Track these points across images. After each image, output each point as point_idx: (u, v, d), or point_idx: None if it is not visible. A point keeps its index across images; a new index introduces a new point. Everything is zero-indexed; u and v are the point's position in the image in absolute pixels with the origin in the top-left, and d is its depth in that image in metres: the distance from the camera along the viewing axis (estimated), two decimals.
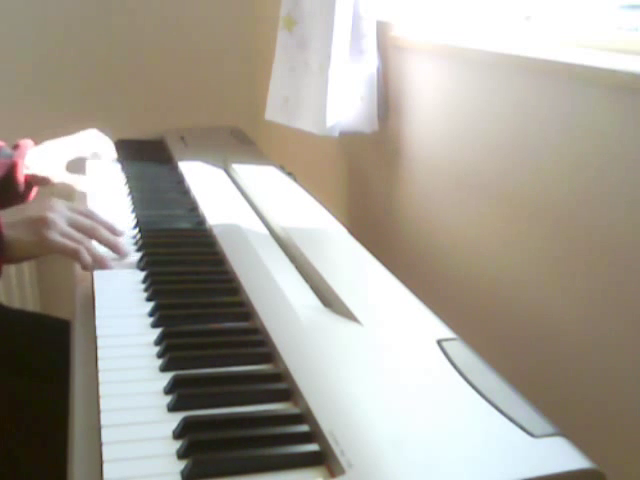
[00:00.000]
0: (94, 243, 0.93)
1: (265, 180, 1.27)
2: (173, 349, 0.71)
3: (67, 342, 0.78)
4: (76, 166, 1.28)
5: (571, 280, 0.96)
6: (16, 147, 1.18)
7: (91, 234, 0.92)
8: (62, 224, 0.89)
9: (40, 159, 1.20)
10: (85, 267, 0.89)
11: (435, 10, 1.36)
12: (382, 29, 1.38)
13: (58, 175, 1.22)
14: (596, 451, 0.65)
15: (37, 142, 1.25)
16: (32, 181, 1.19)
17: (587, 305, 0.94)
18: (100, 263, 0.90)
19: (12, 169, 1.15)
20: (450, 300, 1.26)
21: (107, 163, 1.41)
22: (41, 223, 0.87)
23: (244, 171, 1.31)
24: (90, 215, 0.95)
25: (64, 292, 1.14)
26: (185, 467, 0.53)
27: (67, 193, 1.25)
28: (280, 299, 0.80)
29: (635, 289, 0.86)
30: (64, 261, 0.93)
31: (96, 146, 1.34)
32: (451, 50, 1.19)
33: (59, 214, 0.89)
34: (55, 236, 0.87)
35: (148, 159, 1.46)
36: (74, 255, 0.88)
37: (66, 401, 0.66)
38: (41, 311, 2.01)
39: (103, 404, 0.62)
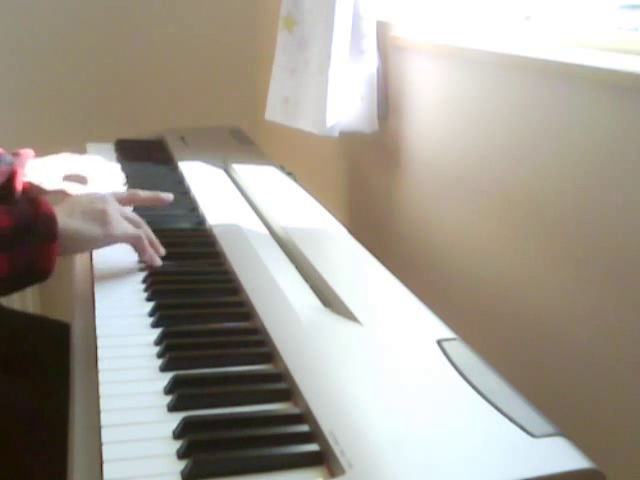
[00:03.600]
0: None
1: (265, 180, 1.27)
2: (173, 349, 0.71)
3: (67, 345, 0.78)
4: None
5: (571, 280, 0.96)
6: (16, 155, 1.18)
7: (147, 232, 0.94)
8: (119, 215, 0.90)
9: (39, 170, 1.20)
10: (144, 254, 0.91)
11: (435, 10, 1.36)
12: (382, 29, 1.38)
13: (54, 184, 1.22)
14: (596, 451, 0.65)
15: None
16: (29, 190, 1.19)
17: (587, 305, 0.94)
18: (157, 249, 0.93)
19: (11, 177, 1.15)
20: (450, 300, 1.25)
21: (107, 163, 1.41)
22: (100, 217, 0.87)
23: (244, 171, 1.31)
24: (140, 218, 0.97)
25: (64, 294, 1.14)
26: (185, 467, 0.53)
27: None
28: (280, 299, 0.80)
29: (635, 289, 0.86)
30: (64, 263, 0.93)
31: (96, 168, 1.32)
32: (451, 50, 1.18)
33: (114, 206, 0.90)
34: (118, 228, 0.88)
35: (148, 159, 1.46)
36: (137, 241, 0.90)
37: (66, 401, 0.66)
38: (41, 313, 2.00)
39: (103, 404, 0.62)
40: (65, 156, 1.27)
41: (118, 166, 1.40)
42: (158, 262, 0.92)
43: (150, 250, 0.92)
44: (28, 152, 1.21)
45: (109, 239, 0.87)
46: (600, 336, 0.92)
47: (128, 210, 0.95)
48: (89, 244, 0.87)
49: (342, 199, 1.69)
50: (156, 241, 0.95)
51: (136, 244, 0.91)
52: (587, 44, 1.01)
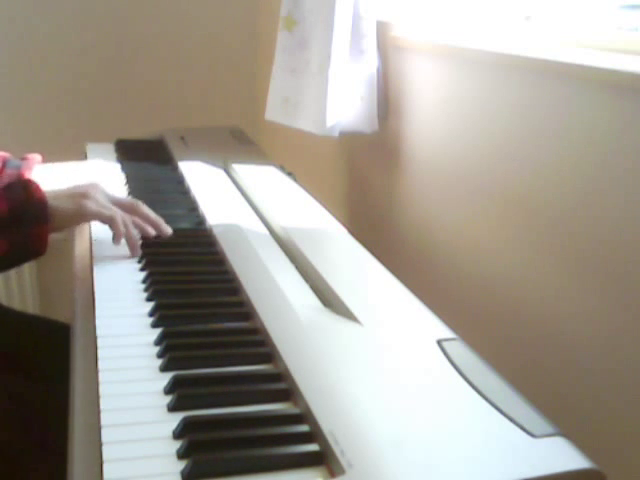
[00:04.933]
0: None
1: (265, 180, 1.27)
2: (173, 349, 0.71)
3: (67, 345, 0.78)
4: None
5: (571, 279, 0.96)
6: (24, 159, 1.19)
7: (131, 210, 0.98)
8: (101, 198, 0.96)
9: (45, 177, 1.20)
10: (117, 236, 0.95)
11: (435, 10, 1.36)
12: (382, 29, 1.38)
13: None
14: (596, 451, 0.65)
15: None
16: None
17: (588, 305, 0.94)
18: (132, 240, 0.95)
19: (30, 185, 1.16)
20: (450, 300, 1.25)
21: (107, 163, 1.41)
22: (80, 195, 0.94)
23: (244, 171, 1.31)
24: (132, 199, 1.01)
25: (64, 294, 1.15)
26: (185, 467, 0.53)
27: None
28: (280, 299, 0.80)
29: (635, 288, 0.86)
30: (64, 263, 0.93)
31: (101, 175, 1.33)
32: (451, 50, 1.18)
33: (99, 191, 0.97)
34: (92, 205, 0.93)
35: (148, 159, 1.46)
36: (110, 221, 0.94)
37: (66, 401, 0.66)
38: (41, 313, 2.00)
39: (103, 404, 0.62)
40: (70, 164, 1.27)
41: (118, 166, 1.40)
42: (138, 237, 0.96)
43: (127, 232, 0.95)
44: (35, 157, 1.21)
45: (84, 216, 0.94)
46: (600, 336, 0.92)
47: (118, 196, 1.00)
48: (71, 220, 0.94)
49: (342, 199, 1.69)
50: (156, 220, 1.00)
51: (110, 225, 0.95)
52: (587, 44, 1.01)
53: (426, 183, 1.31)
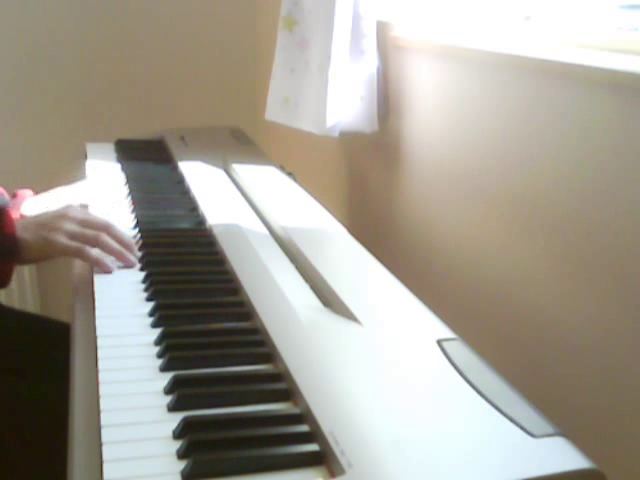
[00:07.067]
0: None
1: (265, 180, 1.27)
2: (173, 349, 0.71)
3: (67, 344, 0.78)
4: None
5: (571, 280, 0.96)
6: (14, 196, 1.18)
7: (98, 235, 0.92)
8: (70, 227, 0.92)
9: (35, 206, 1.19)
10: (91, 263, 0.91)
11: (435, 10, 1.36)
12: (382, 29, 1.38)
13: None
14: (596, 451, 0.65)
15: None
16: None
17: (587, 305, 0.94)
18: (105, 268, 0.91)
19: (3, 218, 1.14)
20: (450, 300, 1.25)
21: (107, 163, 1.41)
22: (49, 228, 0.91)
23: (244, 171, 1.31)
24: (104, 223, 0.95)
25: (64, 294, 1.15)
26: (185, 467, 0.53)
27: None
28: (280, 299, 0.80)
29: (635, 289, 0.86)
30: (64, 263, 0.93)
31: (93, 194, 1.31)
32: (451, 50, 1.18)
33: (70, 218, 0.93)
34: (59, 239, 0.90)
35: (148, 159, 1.46)
36: (77, 255, 0.91)
37: (66, 401, 0.66)
38: (41, 313, 2.00)
39: (103, 404, 0.62)
40: (60, 190, 1.26)
41: (118, 166, 1.40)
42: (112, 268, 0.91)
43: (98, 258, 0.91)
44: (25, 192, 1.20)
45: (50, 253, 0.91)
46: (600, 336, 0.92)
47: (92, 216, 0.96)
48: (38, 256, 0.92)
49: (342, 199, 1.69)
50: (127, 240, 0.94)
51: (78, 257, 0.91)
52: (587, 44, 1.01)
53: (426, 183, 1.31)
